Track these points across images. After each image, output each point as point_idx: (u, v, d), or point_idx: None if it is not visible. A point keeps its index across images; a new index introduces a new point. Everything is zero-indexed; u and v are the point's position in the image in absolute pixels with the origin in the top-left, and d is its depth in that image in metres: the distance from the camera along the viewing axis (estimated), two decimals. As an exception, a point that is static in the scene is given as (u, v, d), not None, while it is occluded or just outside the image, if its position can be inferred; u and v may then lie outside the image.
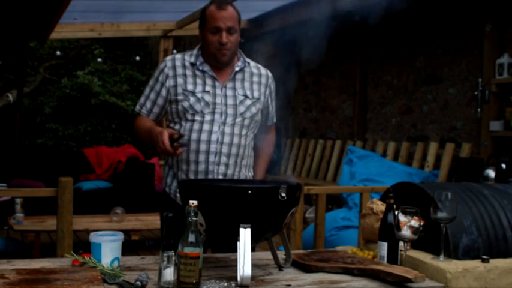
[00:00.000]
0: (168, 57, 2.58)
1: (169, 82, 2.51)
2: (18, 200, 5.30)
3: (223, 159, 2.48)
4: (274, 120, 2.79)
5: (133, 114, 10.07)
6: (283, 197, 1.91)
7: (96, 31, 8.33)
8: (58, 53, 10.09)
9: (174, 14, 7.81)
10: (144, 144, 10.37)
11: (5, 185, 5.90)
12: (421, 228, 2.06)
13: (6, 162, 7.57)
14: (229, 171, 2.50)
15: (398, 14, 6.59)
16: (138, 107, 2.61)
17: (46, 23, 6.77)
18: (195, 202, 1.77)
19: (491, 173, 4.56)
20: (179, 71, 2.52)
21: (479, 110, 5.25)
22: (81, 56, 10.74)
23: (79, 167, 7.78)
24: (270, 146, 2.82)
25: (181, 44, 10.47)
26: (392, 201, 2.14)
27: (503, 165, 4.58)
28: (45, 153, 8.55)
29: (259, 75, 2.63)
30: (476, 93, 5.24)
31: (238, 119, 2.52)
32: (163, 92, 2.52)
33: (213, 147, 2.47)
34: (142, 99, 2.60)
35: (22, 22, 7.08)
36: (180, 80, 2.50)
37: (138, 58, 10.16)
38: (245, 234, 1.84)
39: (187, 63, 2.53)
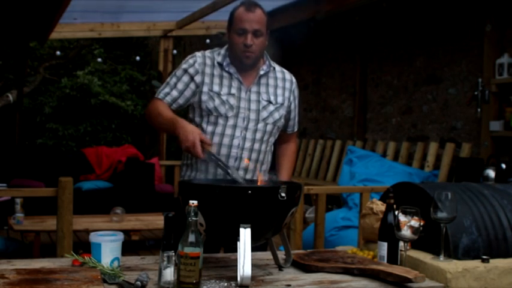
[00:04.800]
0: (199, 53, 2.53)
1: (198, 78, 2.47)
2: (18, 200, 5.30)
3: (243, 164, 2.47)
4: (296, 128, 2.73)
5: (133, 114, 10.09)
6: (283, 197, 1.91)
7: (96, 31, 8.33)
8: (58, 53, 10.07)
9: (174, 14, 7.81)
10: (144, 144, 10.37)
11: (5, 185, 5.89)
12: (421, 228, 2.06)
13: (6, 162, 7.57)
14: (248, 176, 2.48)
15: (399, 14, 6.59)
16: (161, 95, 2.50)
17: (46, 23, 6.77)
18: (195, 202, 1.77)
19: (491, 173, 4.56)
20: (207, 69, 2.48)
21: (479, 110, 5.25)
22: (81, 56, 10.73)
23: (79, 167, 7.78)
24: (293, 155, 2.74)
25: (181, 44, 10.47)
26: (392, 201, 2.14)
27: (503, 165, 4.58)
28: (45, 153, 8.55)
29: (284, 80, 2.59)
30: (476, 93, 5.24)
31: (261, 125, 2.49)
32: (192, 85, 2.47)
33: (234, 151, 2.45)
34: (167, 89, 2.50)
35: (22, 22, 7.08)
36: (206, 79, 2.47)
37: (138, 58, 10.15)
38: (245, 234, 1.84)
39: (215, 63, 2.50)
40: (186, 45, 10.48)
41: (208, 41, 8.62)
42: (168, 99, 2.49)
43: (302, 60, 8.31)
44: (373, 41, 7.04)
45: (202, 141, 2.22)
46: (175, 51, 9.24)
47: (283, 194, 1.91)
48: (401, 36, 6.59)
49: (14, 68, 9.57)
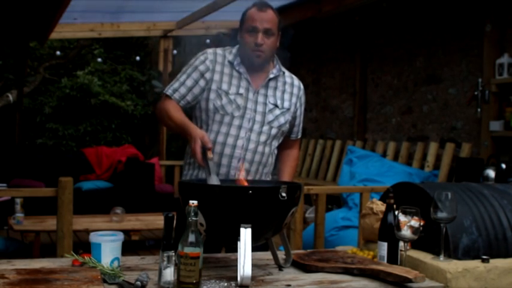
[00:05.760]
0: (210, 50, 2.53)
1: (208, 75, 2.47)
2: (18, 200, 5.30)
3: (246, 165, 2.46)
4: (300, 135, 2.73)
5: (133, 114, 10.09)
6: (284, 197, 1.91)
7: (96, 31, 8.32)
8: (58, 53, 10.06)
9: (174, 14, 7.81)
10: (144, 144, 10.36)
11: (5, 185, 5.90)
12: (421, 228, 2.06)
13: (6, 162, 7.57)
14: (250, 178, 2.46)
15: (398, 14, 6.59)
16: (170, 91, 2.49)
17: (46, 23, 6.76)
18: (195, 202, 1.77)
19: (491, 173, 4.56)
20: (218, 67, 2.49)
21: (479, 110, 5.25)
22: (81, 56, 10.72)
23: (79, 167, 7.78)
24: (295, 161, 2.73)
25: (181, 44, 10.46)
26: (392, 201, 2.15)
27: (503, 165, 4.58)
28: (45, 153, 8.54)
29: (292, 85, 2.60)
30: (476, 93, 5.24)
31: (266, 127, 2.49)
32: (201, 82, 2.47)
33: (237, 152, 2.45)
34: (176, 85, 2.50)
35: (22, 22, 7.08)
36: (216, 77, 2.47)
37: (138, 58, 10.15)
38: (245, 234, 1.84)
39: (226, 61, 2.50)
40: (186, 45, 10.47)
41: (208, 41, 8.62)
42: (176, 96, 2.49)
43: (302, 60, 8.30)
44: (373, 41, 7.04)
45: (203, 145, 2.20)
46: (175, 51, 9.24)
47: (283, 194, 1.91)
48: (401, 36, 6.59)
49: (14, 68, 9.56)
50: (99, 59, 10.28)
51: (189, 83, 2.49)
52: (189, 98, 2.49)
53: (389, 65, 6.79)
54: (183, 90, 2.49)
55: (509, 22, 5.17)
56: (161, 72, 9.20)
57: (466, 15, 5.71)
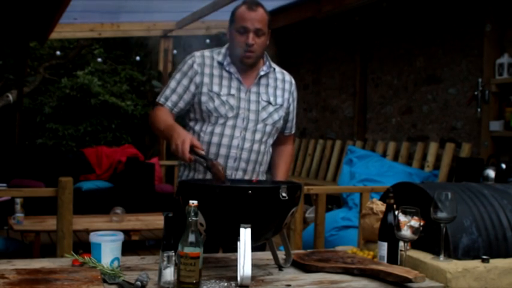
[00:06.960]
0: (197, 53, 2.51)
1: (197, 78, 2.46)
2: (18, 200, 5.30)
3: (242, 164, 2.46)
4: (293, 131, 2.73)
5: (133, 114, 10.10)
6: (284, 196, 1.91)
7: (96, 31, 8.33)
8: (58, 53, 10.09)
9: (174, 14, 7.81)
10: (144, 144, 10.36)
11: (5, 185, 5.89)
12: (421, 228, 2.06)
13: (6, 162, 7.57)
14: (247, 177, 2.48)
15: (398, 14, 6.59)
16: (162, 99, 2.49)
17: (46, 23, 6.77)
18: (195, 202, 1.77)
19: (491, 173, 4.56)
20: (206, 70, 2.47)
21: (479, 110, 5.25)
22: (81, 56, 10.73)
23: (79, 167, 7.78)
24: (289, 157, 2.72)
25: (182, 44, 10.46)
26: (392, 201, 2.14)
27: (503, 165, 4.58)
28: (45, 153, 8.55)
29: (283, 81, 2.59)
30: (476, 93, 5.24)
31: (260, 125, 2.49)
32: (192, 88, 2.46)
33: (233, 152, 2.44)
34: (167, 92, 2.49)
35: (22, 22, 7.08)
36: (206, 79, 2.45)
37: (138, 58, 10.16)
38: (245, 234, 1.84)
39: (215, 63, 2.48)
40: (186, 45, 10.47)
41: (208, 41, 8.63)
42: (169, 104, 2.48)
43: (302, 60, 8.30)
44: (373, 41, 7.04)
45: (193, 146, 2.18)
46: (175, 51, 9.24)
47: (284, 194, 1.91)
48: (401, 36, 6.59)
49: (14, 68, 9.57)
50: (99, 59, 10.30)
51: (179, 89, 2.47)
52: (181, 105, 2.48)
53: (389, 65, 6.79)
54: (174, 97, 2.47)
55: (509, 22, 5.17)
56: (161, 72, 9.20)
57: (466, 15, 5.71)
